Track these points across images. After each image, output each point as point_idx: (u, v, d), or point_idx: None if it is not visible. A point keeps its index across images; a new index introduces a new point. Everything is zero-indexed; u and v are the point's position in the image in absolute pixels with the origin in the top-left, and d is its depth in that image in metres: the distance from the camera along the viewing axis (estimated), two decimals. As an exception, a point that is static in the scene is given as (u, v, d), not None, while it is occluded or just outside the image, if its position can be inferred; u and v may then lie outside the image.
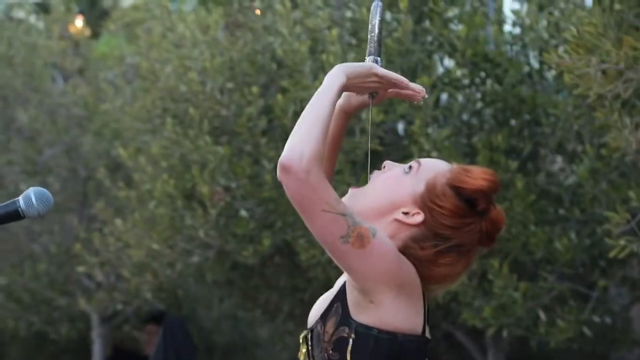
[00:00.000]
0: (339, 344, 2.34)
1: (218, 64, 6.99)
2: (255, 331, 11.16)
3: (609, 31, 4.71)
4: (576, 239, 6.20)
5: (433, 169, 2.42)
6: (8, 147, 9.48)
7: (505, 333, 6.43)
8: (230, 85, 7.02)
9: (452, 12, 6.86)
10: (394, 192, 2.40)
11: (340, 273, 2.48)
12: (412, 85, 2.52)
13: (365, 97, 2.54)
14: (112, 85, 9.29)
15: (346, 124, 2.65)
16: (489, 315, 6.18)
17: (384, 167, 2.46)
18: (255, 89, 6.85)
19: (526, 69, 6.72)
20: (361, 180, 2.18)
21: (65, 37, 10.11)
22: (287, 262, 7.54)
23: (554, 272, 6.36)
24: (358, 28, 6.82)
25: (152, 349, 7.05)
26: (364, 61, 2.51)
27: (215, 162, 6.90)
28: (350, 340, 2.33)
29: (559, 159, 6.88)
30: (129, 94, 8.89)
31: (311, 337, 2.42)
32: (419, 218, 2.37)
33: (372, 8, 2.53)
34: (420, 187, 2.39)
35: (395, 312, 2.32)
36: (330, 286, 2.52)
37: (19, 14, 11.40)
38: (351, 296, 2.35)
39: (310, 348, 2.42)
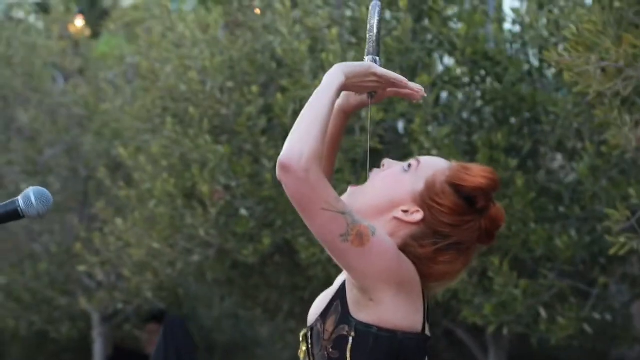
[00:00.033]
0: (339, 342, 2.34)
1: (218, 63, 7.00)
2: (255, 330, 11.17)
3: (608, 29, 4.71)
4: (576, 237, 6.20)
5: (432, 166, 2.42)
6: (8, 147, 9.48)
7: (505, 330, 6.44)
8: (230, 84, 7.02)
9: (452, 10, 6.87)
10: (393, 190, 2.41)
11: (340, 271, 2.48)
12: (411, 84, 2.52)
13: (364, 97, 2.55)
14: (112, 85, 9.29)
15: (345, 123, 2.65)
16: (489, 312, 6.18)
17: (383, 165, 2.46)
18: (255, 88, 6.86)
19: (526, 67, 6.72)
20: (361, 178, 2.19)
21: (65, 37, 10.11)
22: (287, 260, 7.55)
23: (554, 269, 6.36)
24: (358, 27, 6.83)
25: (153, 348, 7.05)
26: (363, 60, 2.51)
27: (215, 161, 6.91)
28: (350, 339, 2.33)
29: (559, 157, 6.88)
30: (129, 93, 8.89)
31: (311, 335, 2.43)
32: (419, 216, 2.38)
33: (370, 8, 2.54)
34: (419, 185, 2.40)
35: (395, 310, 2.32)
36: (331, 284, 2.52)
37: (19, 14, 11.40)
38: (351, 294, 2.36)
39: (310, 346, 2.43)
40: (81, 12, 11.43)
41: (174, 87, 7.26)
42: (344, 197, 2.39)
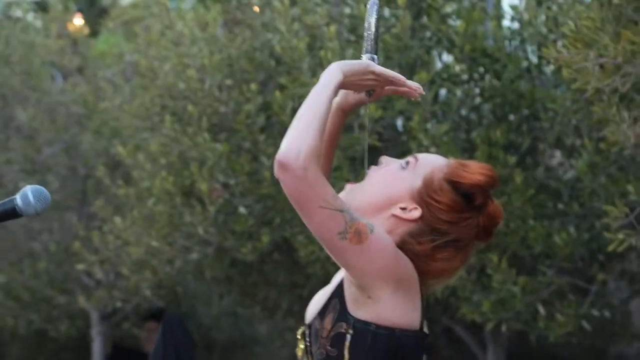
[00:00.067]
0: (337, 340, 2.34)
1: (216, 61, 6.99)
2: (254, 328, 11.17)
3: (607, 25, 4.71)
4: (575, 233, 6.20)
5: (430, 164, 2.42)
6: (7, 145, 9.48)
7: (504, 327, 6.44)
8: (228, 82, 7.02)
9: (451, 7, 6.87)
10: (391, 187, 2.41)
11: (338, 269, 2.48)
12: (409, 82, 2.52)
13: (363, 95, 2.55)
14: (111, 83, 9.29)
15: (343, 121, 2.65)
16: (488, 309, 6.18)
17: (381, 162, 2.46)
18: (253, 86, 6.85)
19: (525, 64, 6.72)
20: (360, 176, 2.19)
21: (64, 35, 10.11)
22: (285, 258, 7.55)
23: (552, 266, 6.36)
24: (356, 24, 6.82)
25: (152, 346, 7.06)
26: (360, 58, 2.51)
27: (213, 159, 6.91)
28: (348, 336, 2.33)
29: (558, 154, 6.88)
30: (128, 92, 8.89)
31: (309, 333, 2.42)
32: (417, 213, 2.38)
33: (368, 6, 2.53)
34: (417, 182, 2.39)
35: (393, 307, 2.32)
36: (329, 282, 2.52)
37: (17, 12, 11.39)
38: (349, 292, 2.35)
39: (308, 344, 2.43)
40: (80, 10, 11.43)
41: (172, 85, 7.26)
42: (341, 195, 2.39)
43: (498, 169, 5.99)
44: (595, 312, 6.41)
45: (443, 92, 6.73)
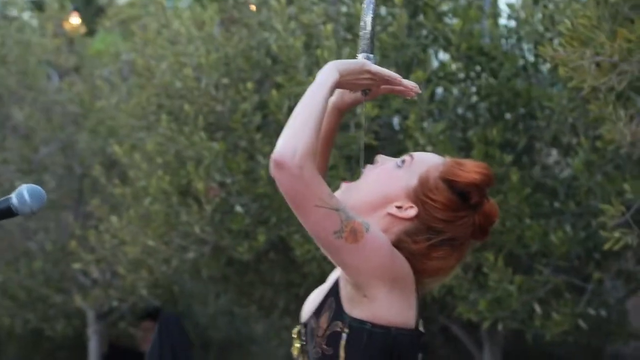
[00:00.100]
0: (333, 339, 2.34)
1: (213, 60, 6.99)
2: (250, 327, 11.17)
3: (603, 24, 4.71)
4: (571, 232, 6.21)
5: (426, 162, 2.42)
6: (3, 145, 9.47)
7: (500, 326, 6.44)
8: (225, 81, 7.02)
9: (447, 5, 6.87)
10: (387, 186, 2.40)
11: (335, 268, 2.48)
12: (405, 81, 2.51)
13: (359, 94, 2.54)
14: (108, 82, 9.28)
15: (339, 121, 2.65)
16: (484, 308, 6.19)
17: (377, 161, 2.46)
18: (250, 85, 6.85)
19: (521, 62, 6.72)
20: (356, 175, 2.19)
21: (60, 34, 10.10)
22: (282, 257, 7.55)
23: (549, 265, 6.37)
24: (353, 23, 6.82)
25: (148, 345, 7.06)
26: (357, 57, 2.51)
27: (210, 158, 6.90)
28: (344, 335, 2.33)
29: (554, 152, 6.88)
30: (125, 91, 8.89)
31: (305, 332, 2.42)
32: (412, 212, 2.37)
33: (364, 5, 2.53)
34: (413, 181, 2.39)
35: (388, 306, 2.32)
36: (325, 281, 2.52)
37: (12, 11, 11.37)
38: (345, 291, 2.35)
39: (304, 343, 2.42)
40: (76, 9, 11.42)
41: (169, 84, 7.26)
42: (337, 194, 2.38)
43: (494, 167, 5.99)
44: (591, 311, 6.41)
45: (439, 90, 6.73)
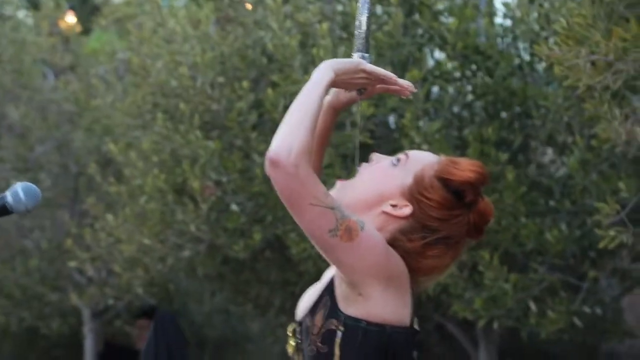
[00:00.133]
0: (328, 337, 2.34)
1: (209, 58, 6.99)
2: (246, 325, 11.18)
3: (598, 22, 4.72)
4: (566, 230, 6.21)
5: (421, 161, 2.42)
6: (-1, 144, 9.48)
7: (496, 324, 6.45)
8: (220, 79, 7.02)
9: (443, 4, 6.87)
10: (382, 184, 2.41)
11: (330, 266, 2.48)
12: (400, 81, 2.52)
13: (354, 93, 2.55)
14: (103, 81, 9.28)
15: (334, 120, 2.65)
16: (479, 306, 6.19)
17: (372, 159, 2.46)
18: (245, 84, 6.85)
19: (517, 61, 6.73)
20: (352, 173, 2.19)
21: (55, 33, 10.09)
22: (278, 256, 7.55)
23: (544, 263, 6.37)
24: (348, 22, 6.83)
25: (144, 343, 7.06)
26: (352, 56, 2.51)
27: (206, 157, 6.90)
28: (339, 333, 2.33)
29: (550, 151, 6.89)
30: (120, 89, 8.88)
31: (300, 330, 2.43)
32: (407, 210, 2.38)
33: (359, 4, 2.53)
34: (408, 180, 2.39)
35: (383, 304, 2.32)
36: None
37: (8, 10, 11.37)
38: (340, 289, 2.35)
39: (299, 341, 2.43)
40: (72, 8, 11.41)
41: (164, 82, 7.26)
42: (332, 192, 2.39)
43: (490, 166, 6.00)
44: (586, 309, 6.42)
45: (435, 89, 6.74)
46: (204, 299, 10.94)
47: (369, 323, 2.32)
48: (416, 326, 2.40)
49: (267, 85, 6.90)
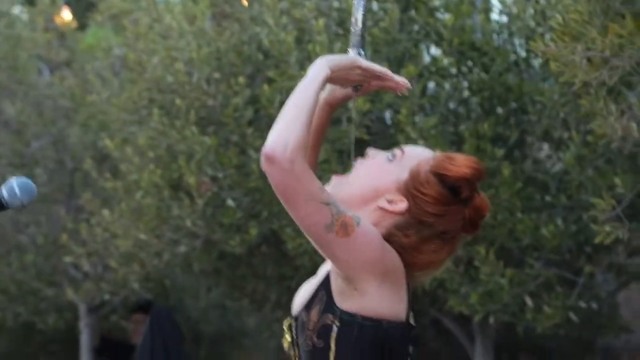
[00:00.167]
0: (324, 331, 2.35)
1: (205, 54, 6.99)
2: (242, 320, 11.18)
3: (594, 19, 4.72)
4: (562, 226, 6.22)
5: (417, 156, 2.43)
6: (-5, 140, 9.47)
7: (492, 319, 6.46)
8: (216, 75, 7.02)
9: (439, 0, 6.87)
10: (378, 179, 2.41)
11: (326, 261, 2.48)
12: (396, 77, 2.52)
13: (350, 90, 2.55)
14: (99, 76, 9.27)
15: (330, 116, 2.66)
16: (475, 301, 6.20)
17: (368, 155, 2.47)
18: (241, 79, 6.85)
19: (513, 57, 6.73)
20: (348, 169, 2.19)
21: (51, 29, 10.08)
22: (274, 251, 7.56)
23: (540, 258, 6.38)
24: (344, 18, 6.83)
25: (140, 338, 7.06)
26: (348, 52, 2.52)
27: (202, 153, 6.90)
28: (335, 327, 2.34)
29: (545, 147, 6.90)
30: (116, 85, 8.87)
31: (295, 325, 2.43)
32: (403, 206, 2.38)
33: (355, 1, 2.53)
34: (404, 175, 2.40)
35: (379, 299, 2.33)
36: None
37: (3, 6, 11.35)
38: (335, 284, 2.36)
39: (294, 336, 2.43)
40: (67, 3, 11.39)
41: (160, 78, 7.26)
42: (328, 187, 2.39)
43: (486, 161, 6.01)
44: (582, 304, 6.43)
45: (431, 85, 6.74)
46: (200, 294, 10.95)
47: (364, 318, 2.32)
48: (412, 321, 2.40)
49: (263, 81, 6.91)
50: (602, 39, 4.63)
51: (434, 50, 6.89)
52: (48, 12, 10.07)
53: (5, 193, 2.42)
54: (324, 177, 2.32)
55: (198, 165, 6.93)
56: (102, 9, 11.23)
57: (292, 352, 2.45)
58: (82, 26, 11.35)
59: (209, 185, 7.01)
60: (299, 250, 6.74)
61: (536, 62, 6.76)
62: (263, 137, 6.84)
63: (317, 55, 5.95)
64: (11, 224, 9.50)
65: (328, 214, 2.27)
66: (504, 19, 6.89)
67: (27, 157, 9.45)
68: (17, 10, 11.33)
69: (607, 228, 5.12)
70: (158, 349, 6.40)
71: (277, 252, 7.49)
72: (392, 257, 2.35)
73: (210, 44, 7.12)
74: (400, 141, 6.24)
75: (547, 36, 6.05)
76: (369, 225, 2.33)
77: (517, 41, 6.82)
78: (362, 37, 2.52)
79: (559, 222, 6.24)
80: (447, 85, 6.65)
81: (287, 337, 2.46)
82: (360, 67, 2.46)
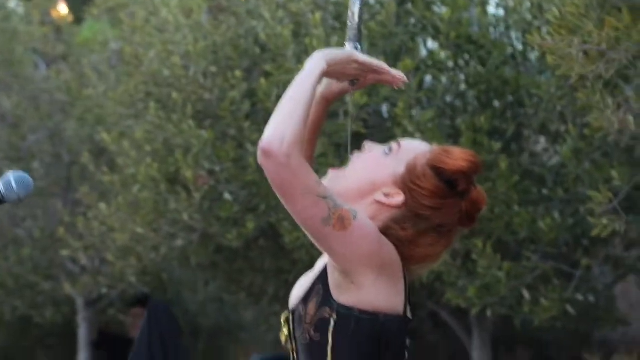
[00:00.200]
0: (321, 325, 2.35)
1: (201, 48, 6.98)
2: (240, 314, 11.18)
3: (591, 12, 4.72)
4: (559, 219, 6.23)
5: (413, 150, 2.43)
6: (-9, 133, 9.46)
7: (489, 312, 6.47)
8: (213, 69, 7.01)
9: (436, -6, 6.87)
10: (375, 173, 2.41)
11: (323, 254, 2.49)
12: (393, 71, 2.52)
13: (346, 84, 2.55)
14: (96, 70, 9.26)
15: (326, 110, 2.66)
16: (473, 294, 6.21)
17: (364, 148, 2.47)
18: (238, 73, 6.85)
19: (509, 50, 6.74)
20: (345, 163, 2.19)
21: (47, 22, 10.06)
22: (271, 244, 7.56)
23: (537, 251, 6.39)
24: (341, 11, 6.82)
25: (138, 332, 7.06)
26: (344, 46, 2.52)
27: (198, 146, 6.90)
28: (332, 321, 2.34)
29: (542, 140, 6.90)
30: (113, 79, 8.87)
31: (293, 319, 2.43)
32: (400, 199, 2.38)
33: (352, -5, 2.53)
34: (400, 168, 2.40)
35: (376, 293, 2.33)
36: (314, 268, 2.53)
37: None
38: (332, 277, 2.36)
39: (292, 330, 2.43)
40: (64, -3, 11.37)
41: (157, 72, 7.25)
42: (324, 181, 2.39)
43: (483, 155, 6.01)
44: (579, 297, 6.45)
45: (428, 79, 6.74)
46: (198, 288, 10.95)
47: (361, 311, 2.33)
48: (409, 314, 2.40)
49: (260, 74, 6.90)
50: (598, 32, 4.63)
51: (431, 44, 6.89)
52: (44, 6, 10.07)
53: (2, 187, 2.42)
54: (321, 171, 2.32)
55: (195, 159, 6.93)
56: (98, 2, 11.22)
57: (289, 346, 2.45)
58: (78, 20, 11.33)
59: (206, 179, 7.01)
60: (297, 243, 6.74)
61: (533, 56, 6.76)
62: (260, 131, 6.84)
63: (314, 49, 5.95)
64: (8, 217, 9.49)
65: (325, 207, 2.28)
66: (501, 12, 6.89)
67: (24, 150, 9.44)
68: (13, 3, 11.31)
69: (604, 221, 5.13)
70: (156, 343, 6.40)
71: (275, 245, 7.49)
72: (389, 251, 2.35)
73: (207, 37, 7.12)
74: (397, 135, 6.24)
75: (544, 29, 6.05)
76: (365, 218, 2.34)
77: (513, 34, 6.82)
78: (359, 31, 2.52)
79: (556, 215, 6.25)
80: (444, 79, 6.65)
81: (285, 330, 2.46)
82: (357, 61, 2.46)
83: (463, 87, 6.71)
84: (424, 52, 6.81)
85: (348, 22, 2.53)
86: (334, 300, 2.34)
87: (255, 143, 6.74)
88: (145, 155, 7.32)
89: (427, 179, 2.37)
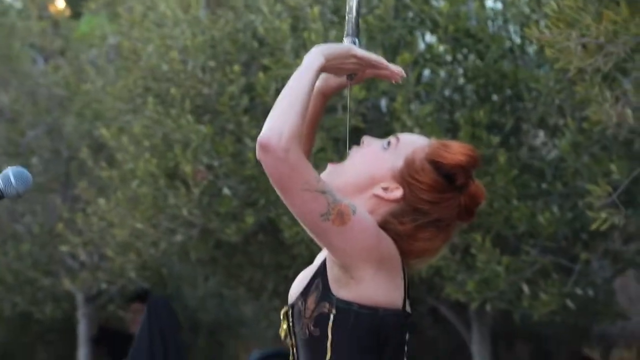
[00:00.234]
0: (320, 320, 2.35)
1: (199, 42, 6.98)
2: (240, 309, 11.18)
3: (589, 5, 4.72)
4: (558, 213, 6.23)
5: (412, 144, 2.43)
6: (-11, 129, 9.45)
7: (488, 307, 6.47)
8: (211, 63, 7.00)
9: (434, -13, 6.86)
10: (373, 167, 2.41)
11: (322, 249, 2.49)
12: (391, 66, 2.52)
13: (344, 79, 2.55)
14: (94, 65, 9.25)
15: (324, 105, 2.66)
16: (472, 289, 6.21)
17: (363, 142, 2.47)
18: (236, 68, 6.84)
19: (508, 44, 6.73)
20: (344, 157, 2.19)
21: (45, 17, 10.05)
22: (270, 239, 7.55)
23: (536, 245, 6.39)
24: (340, 5, 6.82)
25: (138, 327, 7.07)
26: (343, 41, 2.52)
27: (197, 141, 6.90)
28: (331, 316, 2.34)
29: (541, 134, 6.90)
30: (111, 74, 8.86)
31: (292, 313, 2.43)
32: (398, 193, 2.38)
33: (350, -11, 2.53)
34: (399, 163, 2.40)
35: (375, 287, 2.33)
36: (314, 263, 2.53)
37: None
38: (331, 272, 2.36)
39: (291, 324, 2.43)
40: (62, -9, 11.35)
41: (155, 67, 7.24)
42: (323, 175, 2.39)
43: (481, 149, 6.01)
44: (578, 291, 6.44)
45: (426, 72, 6.74)
46: (197, 283, 10.95)
47: (360, 306, 2.33)
48: (408, 309, 2.40)
49: (259, 69, 6.90)
50: (596, 25, 4.62)
51: (429, 38, 6.89)
52: (42, 1, 10.05)
53: (1, 182, 2.42)
54: (319, 166, 2.32)
55: (194, 154, 6.92)
56: (96, -3, 11.20)
57: (289, 341, 2.46)
58: (76, 14, 11.32)
59: (204, 174, 7.01)
60: (296, 238, 6.74)
61: (531, 49, 6.76)
62: (259, 125, 6.84)
63: (312, 43, 5.95)
64: (7, 213, 9.49)
65: (324, 202, 2.28)
66: (499, 5, 6.89)
67: (23, 146, 9.44)
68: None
69: (603, 215, 5.12)
70: (156, 338, 6.41)
71: (274, 240, 7.49)
72: (388, 245, 2.35)
73: (205, 32, 7.11)
74: (396, 129, 6.24)
75: (542, 23, 6.05)
76: (364, 213, 2.34)
77: (512, 28, 6.82)
78: (357, 25, 2.52)
79: (555, 209, 6.25)
80: (442, 73, 6.65)
81: (284, 325, 2.46)
82: (355, 56, 2.46)
83: (461, 81, 6.71)
84: (422, 46, 6.81)
85: (346, 16, 2.52)
86: (333, 295, 2.34)
87: (254, 138, 6.74)
88: (144, 150, 7.31)
89: (425, 173, 2.38)
